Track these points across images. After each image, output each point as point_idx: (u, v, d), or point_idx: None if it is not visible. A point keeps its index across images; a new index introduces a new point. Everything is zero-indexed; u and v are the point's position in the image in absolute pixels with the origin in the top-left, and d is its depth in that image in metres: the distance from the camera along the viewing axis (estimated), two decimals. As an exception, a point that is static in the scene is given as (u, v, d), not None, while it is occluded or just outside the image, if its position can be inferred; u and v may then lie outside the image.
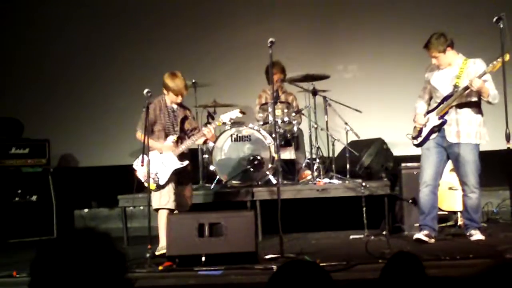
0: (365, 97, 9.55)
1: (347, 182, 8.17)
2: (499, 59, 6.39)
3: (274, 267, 5.53)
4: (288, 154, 8.91)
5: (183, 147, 7.10)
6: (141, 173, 6.90)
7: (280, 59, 8.76)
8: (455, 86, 6.76)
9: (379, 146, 8.90)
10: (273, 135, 7.94)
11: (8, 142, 8.89)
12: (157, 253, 6.68)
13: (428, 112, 6.99)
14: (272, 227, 6.89)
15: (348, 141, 8.59)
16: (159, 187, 6.93)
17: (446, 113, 6.82)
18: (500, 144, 6.92)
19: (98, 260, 2.06)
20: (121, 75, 10.39)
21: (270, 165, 8.25)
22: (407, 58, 9.40)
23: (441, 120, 6.84)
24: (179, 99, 7.05)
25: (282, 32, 9.30)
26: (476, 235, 6.82)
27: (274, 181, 8.13)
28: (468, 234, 6.91)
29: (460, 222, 7.66)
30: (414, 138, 7.09)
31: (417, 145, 7.10)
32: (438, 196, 7.00)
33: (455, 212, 7.75)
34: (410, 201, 7.42)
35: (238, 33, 10.37)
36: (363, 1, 10.23)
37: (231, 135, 8.37)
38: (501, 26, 6.43)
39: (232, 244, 6.17)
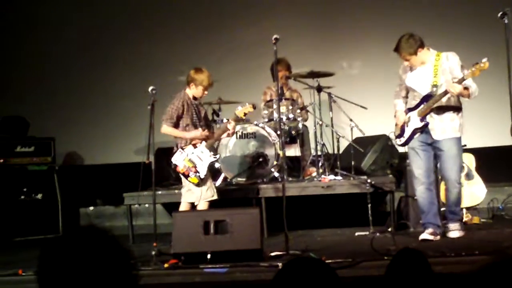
0: (370, 93, 9.53)
1: (352, 179, 8.17)
2: (477, 66, 6.33)
3: (280, 264, 5.54)
4: (293, 151, 8.92)
5: (213, 141, 7.40)
6: (182, 167, 7.11)
7: (284, 56, 8.75)
8: (433, 85, 6.72)
9: (384, 142, 8.89)
10: (278, 132, 7.94)
11: (13, 141, 8.91)
12: None
13: (409, 109, 6.94)
14: (277, 224, 6.89)
15: (353, 138, 8.59)
16: (201, 181, 7.11)
17: (428, 113, 6.79)
18: (505, 140, 6.92)
19: (102, 256, 2.07)
20: (125, 74, 10.40)
21: (275, 162, 8.25)
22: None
23: (423, 123, 6.80)
24: (205, 93, 7.32)
25: (286, 29, 9.28)
26: (455, 232, 6.85)
27: (279, 178, 8.13)
28: (447, 226, 6.92)
29: (465, 219, 7.66)
30: (397, 137, 7.07)
31: (402, 145, 7.12)
32: (434, 192, 6.99)
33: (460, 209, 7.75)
34: (415, 198, 7.41)
35: (242, 30, 10.37)
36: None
37: (236, 132, 8.37)
38: (506, 21, 6.41)
39: (238, 241, 6.17)
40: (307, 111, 8.88)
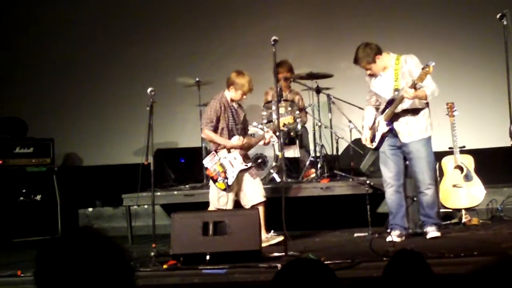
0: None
1: (351, 180, 8.17)
2: (423, 70, 6.32)
3: (279, 265, 5.53)
4: (292, 152, 8.90)
5: (248, 148, 7.32)
6: (212, 171, 7.04)
7: (284, 57, 8.75)
8: (395, 90, 6.75)
9: (383, 143, 8.88)
10: (277, 133, 7.93)
11: (12, 142, 8.90)
12: None
13: (382, 111, 6.95)
14: (276, 225, 6.89)
15: (352, 139, 8.59)
16: (228, 187, 7.02)
17: (393, 117, 6.81)
18: (504, 142, 6.92)
19: (101, 257, 2.07)
20: (125, 74, 10.39)
21: (274, 164, 8.25)
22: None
23: (388, 127, 6.85)
24: (244, 98, 7.21)
25: (285, 30, 9.30)
26: (432, 232, 6.85)
27: (278, 179, 8.12)
28: (424, 231, 6.94)
29: (464, 220, 7.66)
30: (371, 141, 7.09)
31: (374, 149, 7.19)
32: (403, 194, 7.01)
33: (459, 210, 7.75)
34: (415, 199, 7.41)
35: (242, 31, 10.37)
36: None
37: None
38: (505, 23, 6.43)
39: (236, 242, 6.17)
40: (306, 112, 8.87)
